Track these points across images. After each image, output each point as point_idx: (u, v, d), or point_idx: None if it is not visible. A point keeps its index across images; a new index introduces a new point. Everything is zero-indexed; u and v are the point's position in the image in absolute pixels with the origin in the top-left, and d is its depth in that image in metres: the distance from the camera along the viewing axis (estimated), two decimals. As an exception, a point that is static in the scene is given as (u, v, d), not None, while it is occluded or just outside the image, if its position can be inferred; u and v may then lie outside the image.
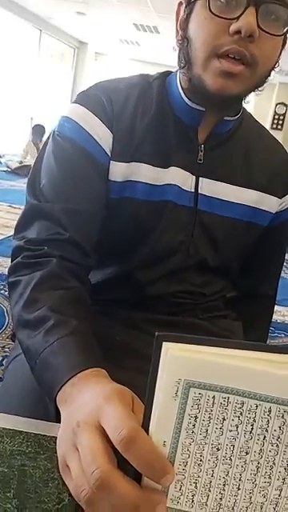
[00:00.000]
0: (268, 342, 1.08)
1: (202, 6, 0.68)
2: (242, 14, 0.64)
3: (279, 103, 11.75)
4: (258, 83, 0.72)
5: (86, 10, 8.10)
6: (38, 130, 7.91)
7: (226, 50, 0.65)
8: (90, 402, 0.41)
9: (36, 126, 8.05)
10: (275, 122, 11.82)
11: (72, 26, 9.63)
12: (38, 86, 9.97)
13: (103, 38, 10.19)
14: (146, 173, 0.75)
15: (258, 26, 0.64)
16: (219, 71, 0.67)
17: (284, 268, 0.99)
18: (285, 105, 11.78)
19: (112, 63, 11.91)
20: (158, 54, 10.56)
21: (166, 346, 0.32)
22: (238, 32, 0.64)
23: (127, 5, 7.20)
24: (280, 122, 11.84)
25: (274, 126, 11.71)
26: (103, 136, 0.73)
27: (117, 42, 10.27)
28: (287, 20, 0.67)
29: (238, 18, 0.64)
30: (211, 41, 0.66)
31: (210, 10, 0.65)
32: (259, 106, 10.62)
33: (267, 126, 11.03)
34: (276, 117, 11.83)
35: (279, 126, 11.78)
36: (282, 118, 11.84)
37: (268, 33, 0.66)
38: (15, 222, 0.74)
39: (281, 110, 11.81)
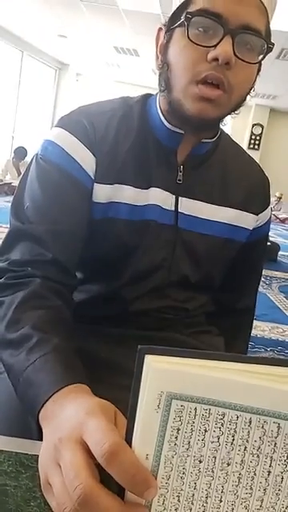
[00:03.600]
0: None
1: (181, 33, 0.70)
2: (219, 43, 0.66)
3: (255, 124, 12.07)
4: (234, 107, 0.75)
5: (68, 33, 8.24)
6: (20, 152, 7.94)
7: (205, 75, 0.68)
8: (72, 417, 0.41)
9: (18, 148, 8.08)
10: (252, 142, 12.13)
11: (54, 47, 9.77)
12: (20, 106, 10.02)
13: (84, 59, 10.34)
14: (128, 194, 0.76)
15: (235, 54, 0.67)
16: (198, 96, 0.69)
17: (261, 283, 1.01)
18: (261, 126, 12.10)
19: (93, 84, 12.05)
20: (138, 76, 10.76)
21: (148, 359, 0.32)
22: (216, 59, 0.66)
23: (108, 28, 7.35)
24: (257, 142, 12.16)
25: (251, 146, 12.01)
26: (86, 159, 0.74)
27: (98, 63, 10.44)
28: (261, 49, 0.70)
29: (215, 46, 0.67)
30: (190, 67, 0.69)
31: (189, 38, 0.68)
32: (236, 126, 10.88)
33: (244, 146, 11.30)
34: (253, 137, 12.15)
35: (256, 146, 12.09)
36: (258, 138, 12.15)
37: (244, 61, 0.69)
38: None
39: (257, 130, 12.12)
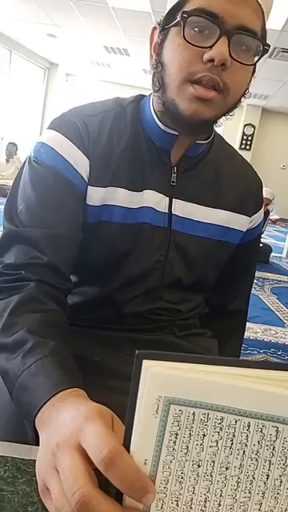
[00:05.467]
0: (241, 358, 1.10)
1: (176, 32, 0.70)
2: (215, 44, 0.66)
3: (247, 124, 12.10)
4: (229, 109, 0.74)
5: (57, 33, 8.20)
6: (12, 147, 7.93)
7: (200, 77, 0.67)
8: (69, 422, 0.41)
9: (10, 143, 8.05)
10: (244, 142, 12.17)
11: (43, 47, 9.72)
12: (9, 107, 9.96)
13: (74, 59, 10.31)
14: (122, 197, 0.76)
15: (230, 55, 0.66)
16: (193, 96, 0.68)
17: (254, 284, 1.02)
18: (252, 126, 12.14)
19: (83, 84, 12.02)
20: (129, 76, 10.76)
21: (146, 364, 0.32)
22: (212, 60, 0.66)
23: (98, 28, 7.33)
24: (248, 142, 12.19)
25: (243, 146, 12.05)
26: (80, 162, 0.74)
27: (88, 63, 10.41)
28: (257, 50, 0.70)
29: (211, 47, 0.66)
30: (185, 67, 0.68)
31: (185, 38, 0.67)
32: (228, 127, 10.93)
33: (236, 146, 11.33)
34: (244, 137, 12.18)
35: (247, 147, 12.13)
36: (250, 138, 12.19)
37: (239, 62, 0.68)
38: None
39: (249, 130, 12.16)
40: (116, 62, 9.60)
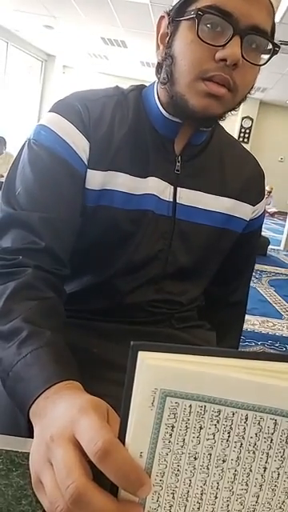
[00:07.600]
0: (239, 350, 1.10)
1: (188, 27, 0.69)
2: (227, 43, 0.66)
3: (245, 117, 12.07)
4: (236, 105, 0.75)
5: (54, 24, 8.13)
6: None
7: (212, 75, 0.68)
8: (63, 415, 0.40)
9: None
10: (241, 135, 12.15)
11: (40, 38, 9.65)
12: (5, 99, 9.89)
13: (71, 51, 10.24)
14: (123, 182, 0.75)
15: (242, 55, 0.67)
16: (204, 92, 0.69)
17: (252, 277, 1.02)
18: (250, 119, 12.11)
19: (80, 76, 11.95)
20: (126, 68, 10.70)
21: (142, 356, 0.32)
22: (224, 59, 0.66)
23: (95, 19, 7.27)
24: (246, 135, 12.18)
25: (241, 139, 12.03)
26: (80, 144, 0.73)
27: (85, 55, 10.34)
28: (266, 49, 0.70)
29: (223, 45, 0.66)
30: (197, 65, 0.68)
31: (199, 36, 0.67)
32: (226, 119, 10.87)
33: (234, 139, 11.26)
34: (242, 130, 12.16)
35: (245, 140, 12.11)
36: (247, 131, 12.17)
37: (250, 62, 0.69)
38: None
39: (246, 123, 12.13)
40: (114, 53, 9.53)
